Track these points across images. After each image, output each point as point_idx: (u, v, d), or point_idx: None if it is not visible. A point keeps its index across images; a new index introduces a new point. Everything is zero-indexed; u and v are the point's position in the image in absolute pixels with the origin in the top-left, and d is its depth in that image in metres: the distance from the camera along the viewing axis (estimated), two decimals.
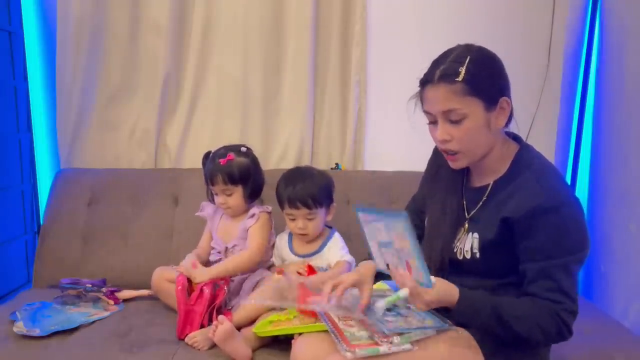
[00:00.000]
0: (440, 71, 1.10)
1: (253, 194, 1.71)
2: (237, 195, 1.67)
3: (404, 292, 1.08)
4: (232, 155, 1.66)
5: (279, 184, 1.66)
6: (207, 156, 1.73)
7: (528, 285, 1.12)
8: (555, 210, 1.07)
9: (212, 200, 1.74)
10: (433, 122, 1.16)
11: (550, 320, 1.09)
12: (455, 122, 1.11)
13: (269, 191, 1.74)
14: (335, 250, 1.64)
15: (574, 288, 1.10)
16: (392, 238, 1.10)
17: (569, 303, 1.08)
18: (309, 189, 1.60)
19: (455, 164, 1.19)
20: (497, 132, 1.15)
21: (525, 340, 1.12)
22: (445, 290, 1.10)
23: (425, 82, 1.13)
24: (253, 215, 1.67)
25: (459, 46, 1.14)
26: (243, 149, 1.71)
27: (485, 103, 1.10)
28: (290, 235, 1.71)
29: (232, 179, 1.64)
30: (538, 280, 1.10)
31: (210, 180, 1.66)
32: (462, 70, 1.08)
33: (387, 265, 1.15)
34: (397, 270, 1.11)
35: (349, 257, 1.64)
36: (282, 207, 1.65)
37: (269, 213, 1.71)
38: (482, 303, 1.12)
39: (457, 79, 1.08)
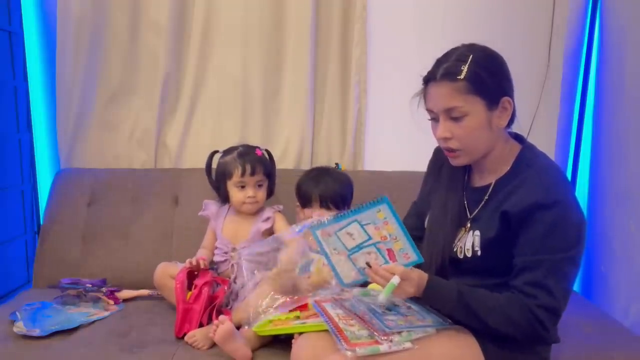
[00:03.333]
0: (443, 69, 1.11)
1: (270, 192, 1.74)
2: (264, 188, 1.70)
3: (396, 279, 1.09)
4: (259, 150, 1.71)
5: (303, 182, 1.69)
6: (212, 155, 1.75)
7: (512, 279, 1.12)
8: (551, 207, 1.07)
9: (221, 200, 1.73)
10: (435, 119, 1.17)
11: (520, 314, 1.08)
12: (457, 120, 1.12)
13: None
14: None
15: (561, 286, 1.09)
16: (370, 233, 1.11)
17: (546, 299, 1.07)
18: (338, 190, 1.64)
19: (455, 161, 1.19)
20: (499, 131, 1.16)
21: (501, 334, 1.11)
22: (420, 274, 1.12)
23: (428, 79, 1.15)
24: (267, 219, 1.67)
25: (462, 45, 1.15)
26: (262, 149, 1.75)
27: (487, 102, 1.11)
28: None
29: (267, 171, 1.69)
30: (521, 273, 1.10)
31: (252, 171, 1.65)
32: (465, 68, 1.09)
33: (364, 267, 1.15)
34: (377, 267, 1.11)
35: None
36: (307, 205, 1.66)
37: (280, 211, 1.73)
38: (448, 290, 1.13)
39: (459, 77, 1.09)
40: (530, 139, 1.23)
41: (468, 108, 1.10)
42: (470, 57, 1.10)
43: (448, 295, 1.12)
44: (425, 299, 1.16)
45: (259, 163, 1.67)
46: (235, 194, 1.68)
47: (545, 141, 1.98)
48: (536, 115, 1.99)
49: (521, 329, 1.09)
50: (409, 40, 2.02)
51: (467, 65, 1.09)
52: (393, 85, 2.01)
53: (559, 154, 2.07)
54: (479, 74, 1.09)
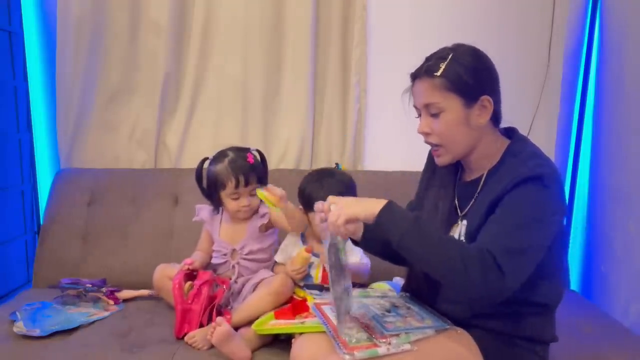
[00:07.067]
0: (425, 66, 1.15)
1: None
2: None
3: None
4: (251, 155, 1.65)
5: (306, 185, 1.63)
6: (202, 162, 1.68)
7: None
8: (531, 180, 1.06)
9: (216, 206, 1.69)
10: (420, 116, 1.21)
11: (476, 252, 1.03)
12: (435, 116, 1.16)
13: None
14: (354, 252, 1.61)
15: (526, 244, 1.05)
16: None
17: (505, 242, 1.03)
18: (343, 191, 1.54)
19: (439, 160, 1.21)
20: (479, 129, 1.16)
21: (448, 278, 1.07)
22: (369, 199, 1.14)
23: (413, 76, 1.19)
24: (264, 215, 1.65)
25: (449, 45, 1.18)
26: (253, 149, 1.69)
27: (464, 99, 1.13)
28: (302, 233, 1.69)
29: (260, 176, 1.64)
30: (484, 231, 1.08)
31: (245, 182, 1.60)
32: (443, 66, 1.13)
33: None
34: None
35: (366, 260, 1.64)
36: (308, 209, 1.61)
37: None
38: (407, 213, 1.11)
39: (436, 74, 1.13)
40: (530, 138, 1.23)
41: (444, 104, 1.14)
42: (451, 55, 1.13)
43: (405, 216, 1.10)
44: (379, 218, 1.10)
45: (251, 172, 1.61)
46: (229, 203, 1.64)
47: (545, 141, 1.98)
48: (536, 115, 1.99)
49: (473, 269, 1.01)
50: (409, 40, 2.02)
51: (445, 63, 1.12)
52: (393, 85, 1.99)
53: (559, 154, 2.07)
54: (456, 71, 1.12)
